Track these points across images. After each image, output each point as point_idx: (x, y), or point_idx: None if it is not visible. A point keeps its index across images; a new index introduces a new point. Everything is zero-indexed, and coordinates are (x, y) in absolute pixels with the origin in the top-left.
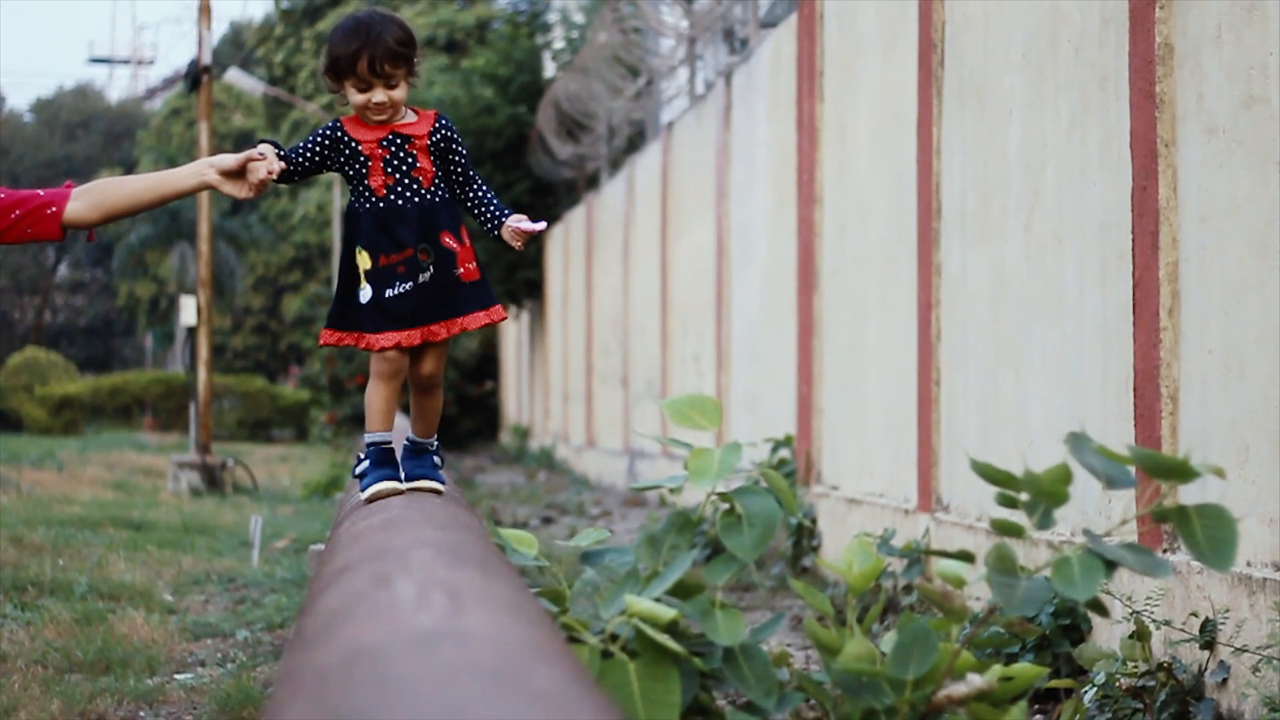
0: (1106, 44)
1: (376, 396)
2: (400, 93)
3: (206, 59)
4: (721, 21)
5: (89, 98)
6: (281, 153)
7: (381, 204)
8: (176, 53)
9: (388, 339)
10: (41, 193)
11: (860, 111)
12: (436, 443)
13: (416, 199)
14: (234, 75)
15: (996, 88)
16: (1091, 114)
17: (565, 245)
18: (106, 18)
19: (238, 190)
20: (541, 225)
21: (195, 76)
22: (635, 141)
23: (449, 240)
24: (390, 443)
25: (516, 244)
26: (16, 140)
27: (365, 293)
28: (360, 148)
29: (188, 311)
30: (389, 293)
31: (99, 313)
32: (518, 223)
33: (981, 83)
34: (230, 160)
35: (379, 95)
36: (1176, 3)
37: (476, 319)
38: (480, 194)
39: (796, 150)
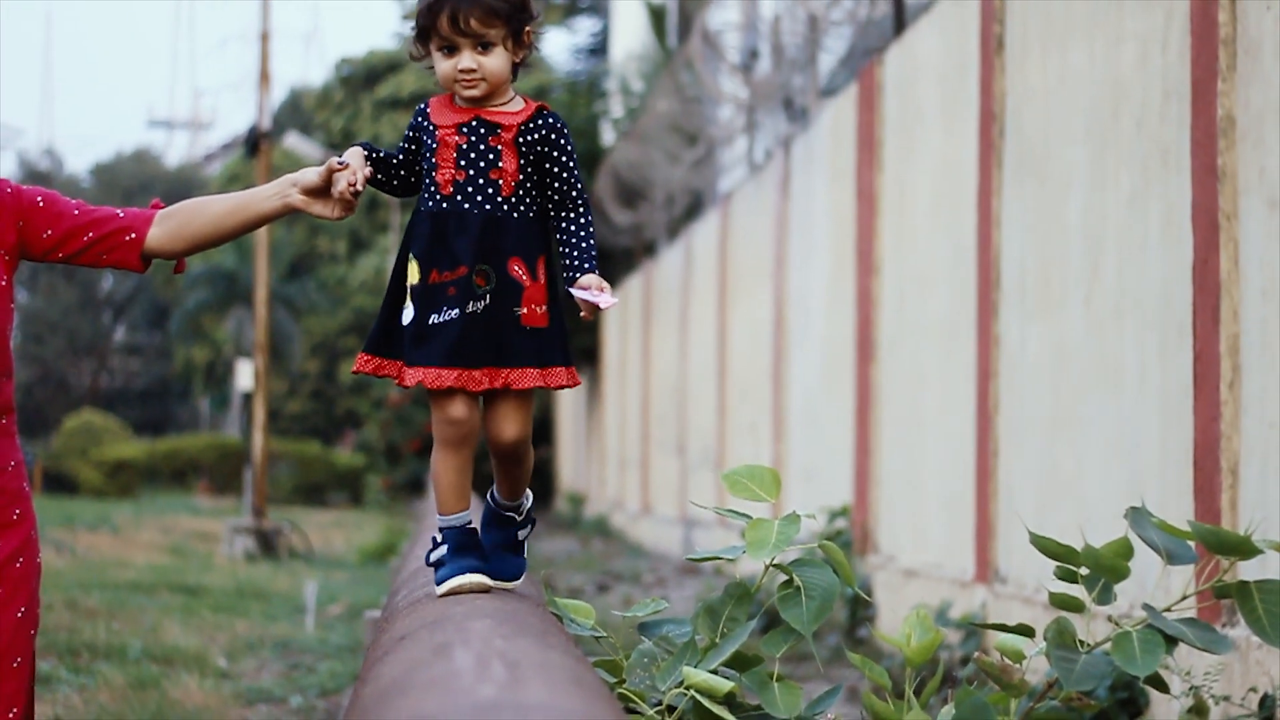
0: (1168, 117)
1: (444, 469)
2: (496, 62)
3: (266, 124)
4: (781, 90)
5: (147, 163)
6: (374, 155)
7: (445, 204)
8: (235, 117)
9: (415, 375)
10: (121, 213)
11: (920, 182)
12: (530, 500)
13: (489, 205)
14: (293, 140)
15: (1057, 160)
16: (1152, 187)
17: (622, 312)
18: (166, 83)
19: (328, 210)
20: (611, 301)
21: (254, 141)
22: (693, 210)
23: (517, 270)
24: (470, 523)
25: (583, 313)
26: None
27: (408, 313)
28: (437, 132)
29: (244, 376)
30: (434, 319)
31: (155, 376)
32: (582, 292)
33: (1042, 155)
34: (314, 174)
35: (466, 60)
36: (1239, 75)
37: (527, 376)
38: (568, 227)
39: (855, 220)
